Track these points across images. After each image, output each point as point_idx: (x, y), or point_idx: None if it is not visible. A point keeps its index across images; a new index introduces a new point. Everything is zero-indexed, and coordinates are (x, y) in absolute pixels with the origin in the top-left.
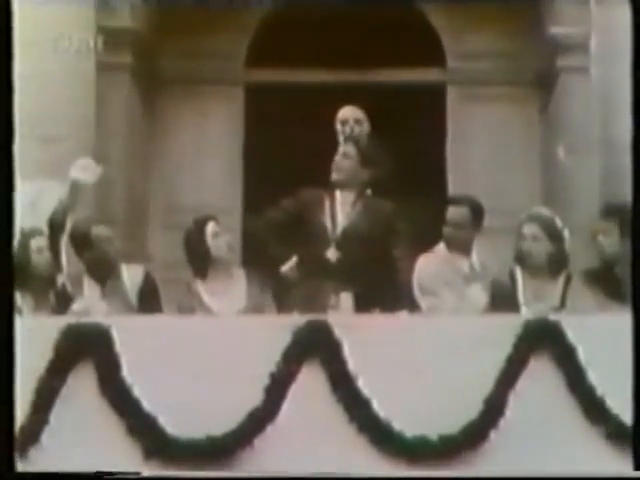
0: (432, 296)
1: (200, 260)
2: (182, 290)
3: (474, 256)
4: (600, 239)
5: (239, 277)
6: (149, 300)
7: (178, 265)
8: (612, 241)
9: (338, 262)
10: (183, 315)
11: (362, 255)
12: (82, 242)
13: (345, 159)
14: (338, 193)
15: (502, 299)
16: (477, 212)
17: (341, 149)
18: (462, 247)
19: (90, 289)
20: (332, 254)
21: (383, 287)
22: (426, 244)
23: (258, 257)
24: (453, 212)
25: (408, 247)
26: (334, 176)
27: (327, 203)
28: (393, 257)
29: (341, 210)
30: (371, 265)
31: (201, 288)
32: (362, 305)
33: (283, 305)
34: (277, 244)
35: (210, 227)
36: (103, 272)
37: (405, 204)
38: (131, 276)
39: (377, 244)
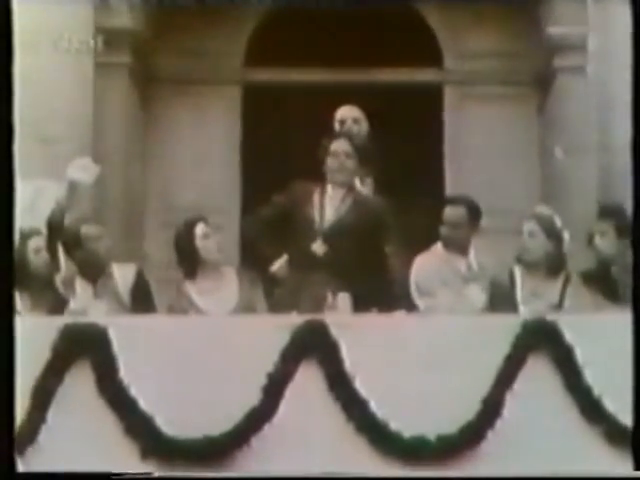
0: (429, 296)
1: (189, 261)
2: (172, 291)
3: (472, 256)
4: (597, 240)
5: (229, 277)
6: (141, 299)
7: (175, 265)
8: (609, 242)
9: (325, 256)
10: (181, 315)
11: (351, 250)
12: (72, 241)
13: (338, 156)
14: (329, 187)
15: (500, 299)
16: (474, 212)
17: (334, 145)
18: (460, 247)
19: (82, 289)
20: (319, 247)
21: (380, 287)
22: (423, 244)
23: (253, 257)
24: (450, 212)
25: (400, 243)
26: (327, 173)
27: (317, 196)
28: (385, 254)
29: (330, 204)
30: (361, 260)
31: (191, 289)
32: (359, 305)
33: (275, 304)
34: (268, 242)
35: (199, 228)
36: (94, 271)
37: (402, 204)
38: (123, 275)
39: (367, 240)
